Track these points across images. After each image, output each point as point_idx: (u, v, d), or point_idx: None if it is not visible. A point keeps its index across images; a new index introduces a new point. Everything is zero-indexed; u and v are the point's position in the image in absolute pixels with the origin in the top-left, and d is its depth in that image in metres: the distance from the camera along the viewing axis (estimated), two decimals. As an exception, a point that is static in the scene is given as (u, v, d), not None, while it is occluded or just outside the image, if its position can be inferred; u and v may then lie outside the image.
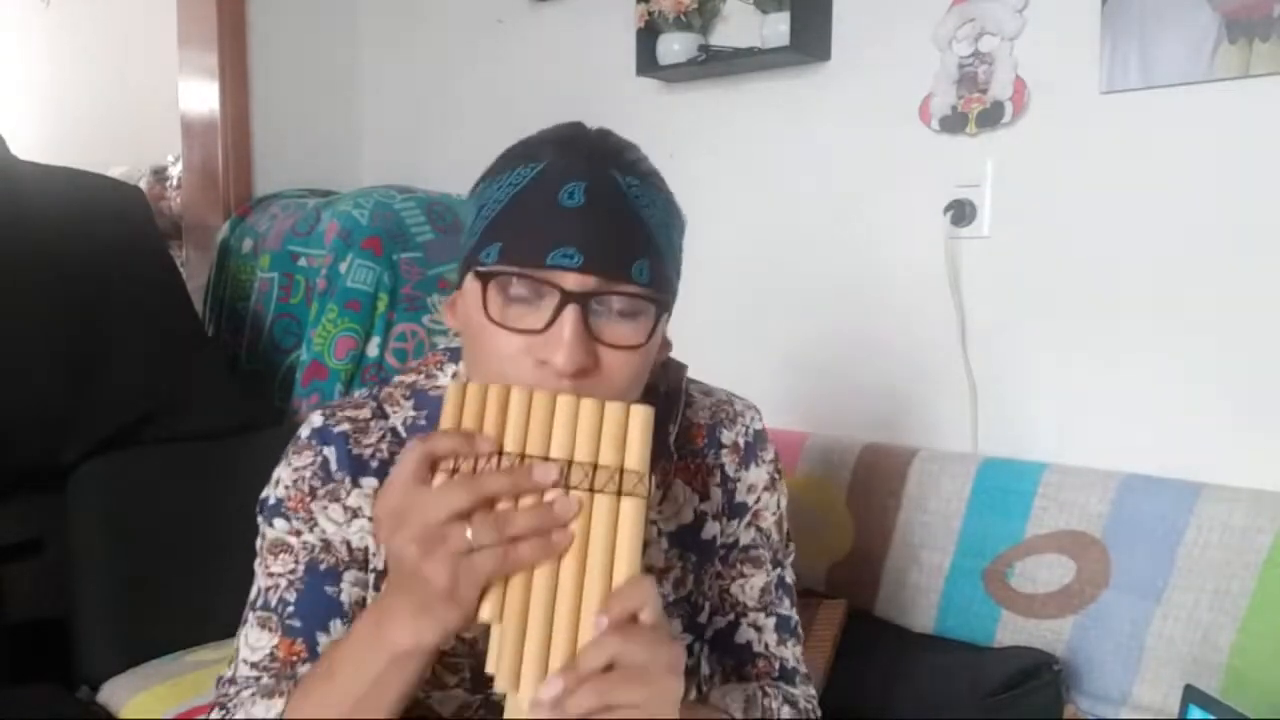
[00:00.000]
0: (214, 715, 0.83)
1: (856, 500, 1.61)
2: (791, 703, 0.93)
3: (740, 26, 1.85)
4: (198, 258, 2.53)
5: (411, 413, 0.88)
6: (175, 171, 3.15)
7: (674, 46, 1.87)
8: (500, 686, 0.66)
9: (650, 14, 1.87)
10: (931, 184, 1.63)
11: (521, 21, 2.27)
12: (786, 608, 0.98)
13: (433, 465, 0.68)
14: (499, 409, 0.70)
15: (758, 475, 0.97)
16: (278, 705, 0.77)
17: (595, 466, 0.68)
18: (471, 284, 0.77)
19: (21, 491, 1.70)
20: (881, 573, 1.57)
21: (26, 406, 1.68)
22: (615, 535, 0.68)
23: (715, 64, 1.86)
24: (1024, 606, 1.42)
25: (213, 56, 2.41)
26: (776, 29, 1.75)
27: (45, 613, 1.69)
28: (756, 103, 1.88)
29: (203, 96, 2.46)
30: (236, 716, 0.79)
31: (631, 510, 0.68)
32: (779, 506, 0.99)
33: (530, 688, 0.65)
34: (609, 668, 0.65)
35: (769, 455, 0.98)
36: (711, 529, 0.94)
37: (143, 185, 2.95)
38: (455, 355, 0.91)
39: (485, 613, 0.67)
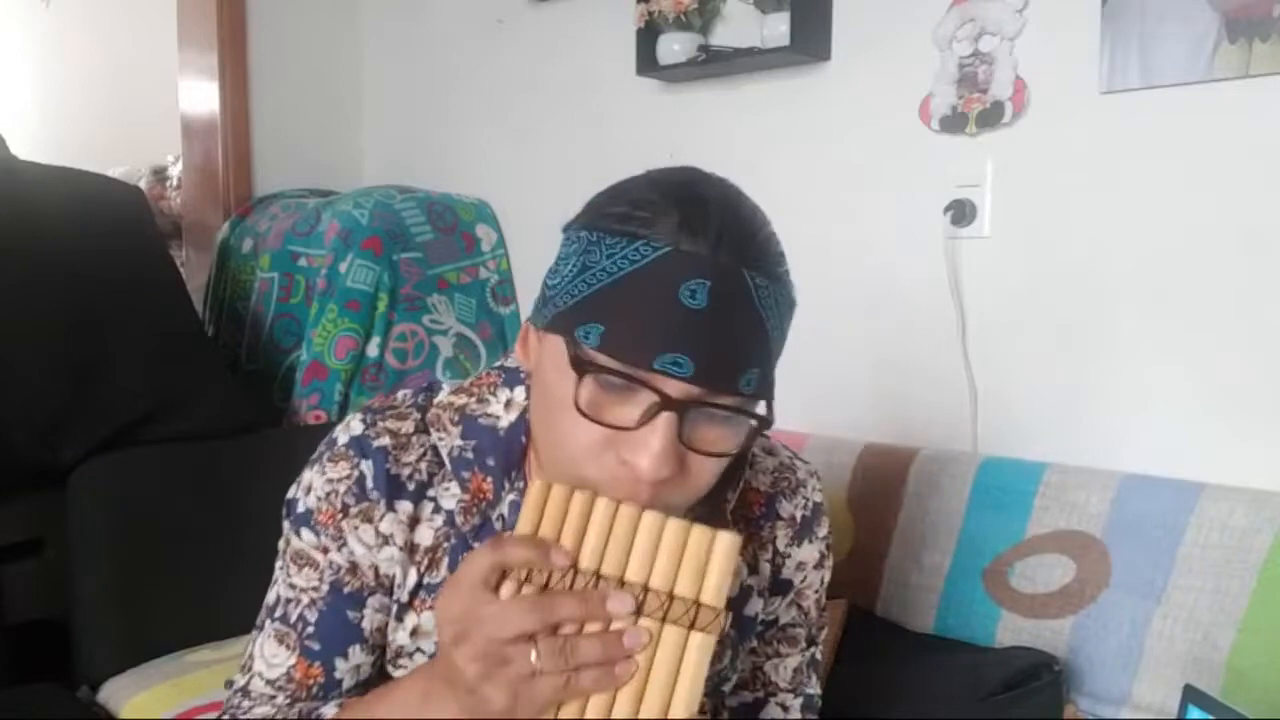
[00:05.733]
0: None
1: (856, 500, 1.61)
2: None
3: (740, 26, 1.85)
4: (198, 258, 2.53)
5: (459, 442, 0.82)
6: (175, 171, 3.15)
7: (674, 46, 1.87)
8: None
9: (650, 14, 1.87)
10: (931, 184, 1.63)
11: (521, 21, 2.27)
12: (814, 686, 0.96)
13: (503, 573, 0.66)
14: (580, 519, 0.67)
15: (809, 553, 0.94)
16: None
17: (671, 597, 0.66)
18: (561, 354, 0.70)
19: (21, 491, 1.70)
20: (882, 573, 1.57)
21: (26, 407, 1.68)
22: (678, 668, 0.66)
23: (715, 64, 1.86)
24: (1024, 606, 1.42)
25: (213, 56, 2.41)
26: (776, 29, 1.74)
27: (45, 613, 1.70)
28: (756, 103, 1.88)
29: (203, 96, 2.46)
30: None
31: (699, 646, 0.66)
32: (822, 584, 0.96)
33: None
34: None
35: (823, 531, 0.95)
36: (754, 605, 0.91)
37: (143, 185, 2.95)
38: (511, 378, 0.85)
39: None
